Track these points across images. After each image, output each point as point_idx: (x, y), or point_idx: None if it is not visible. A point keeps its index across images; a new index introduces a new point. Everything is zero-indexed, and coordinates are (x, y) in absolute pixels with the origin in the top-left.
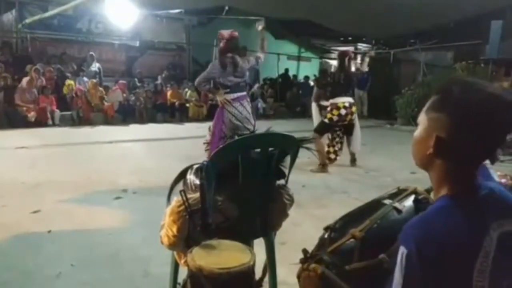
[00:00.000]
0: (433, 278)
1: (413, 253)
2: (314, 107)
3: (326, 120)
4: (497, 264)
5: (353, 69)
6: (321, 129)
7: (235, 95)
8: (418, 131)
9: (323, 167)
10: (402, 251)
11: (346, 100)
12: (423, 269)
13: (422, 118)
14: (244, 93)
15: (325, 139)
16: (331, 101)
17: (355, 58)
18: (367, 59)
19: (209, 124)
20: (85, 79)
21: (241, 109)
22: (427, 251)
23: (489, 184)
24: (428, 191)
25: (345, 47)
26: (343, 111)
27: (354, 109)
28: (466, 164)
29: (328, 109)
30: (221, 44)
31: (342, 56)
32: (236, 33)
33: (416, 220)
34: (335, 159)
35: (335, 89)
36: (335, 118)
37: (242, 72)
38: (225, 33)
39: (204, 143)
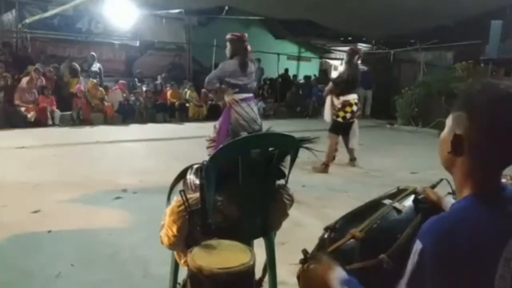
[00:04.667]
0: (444, 278)
1: (427, 250)
2: (328, 102)
3: (340, 120)
4: None
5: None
6: (336, 129)
7: (243, 95)
8: (443, 131)
9: (325, 167)
10: (417, 246)
11: (355, 96)
12: (435, 267)
13: (448, 119)
14: (251, 94)
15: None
16: (342, 98)
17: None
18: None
19: (210, 124)
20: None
21: (248, 110)
22: (443, 249)
23: None
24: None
25: (348, 47)
26: (355, 108)
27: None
28: (486, 163)
29: (340, 106)
30: (247, 46)
31: (352, 53)
32: None
33: (436, 219)
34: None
35: (346, 86)
36: (348, 115)
37: (251, 74)
38: (246, 36)
39: (207, 140)
